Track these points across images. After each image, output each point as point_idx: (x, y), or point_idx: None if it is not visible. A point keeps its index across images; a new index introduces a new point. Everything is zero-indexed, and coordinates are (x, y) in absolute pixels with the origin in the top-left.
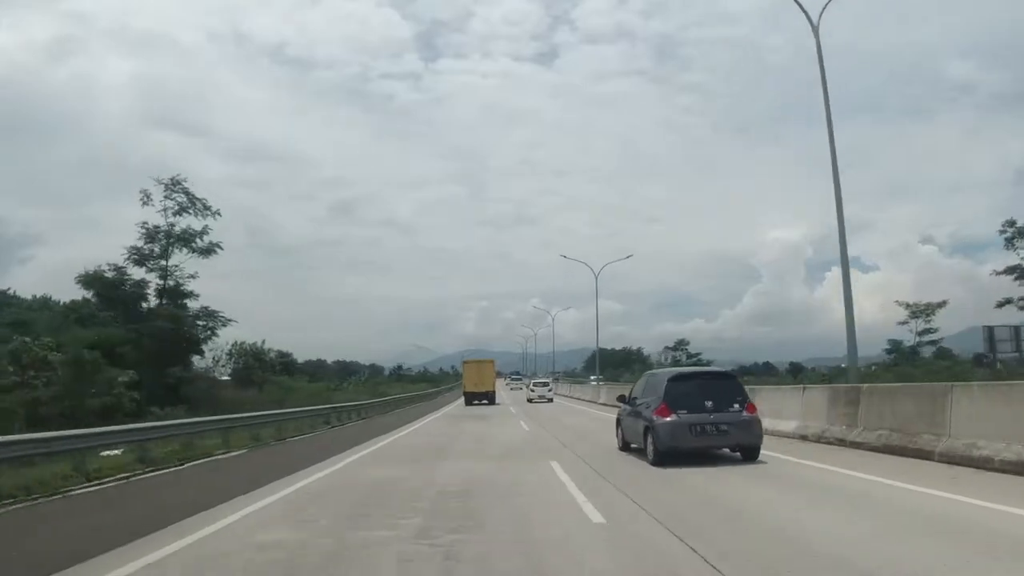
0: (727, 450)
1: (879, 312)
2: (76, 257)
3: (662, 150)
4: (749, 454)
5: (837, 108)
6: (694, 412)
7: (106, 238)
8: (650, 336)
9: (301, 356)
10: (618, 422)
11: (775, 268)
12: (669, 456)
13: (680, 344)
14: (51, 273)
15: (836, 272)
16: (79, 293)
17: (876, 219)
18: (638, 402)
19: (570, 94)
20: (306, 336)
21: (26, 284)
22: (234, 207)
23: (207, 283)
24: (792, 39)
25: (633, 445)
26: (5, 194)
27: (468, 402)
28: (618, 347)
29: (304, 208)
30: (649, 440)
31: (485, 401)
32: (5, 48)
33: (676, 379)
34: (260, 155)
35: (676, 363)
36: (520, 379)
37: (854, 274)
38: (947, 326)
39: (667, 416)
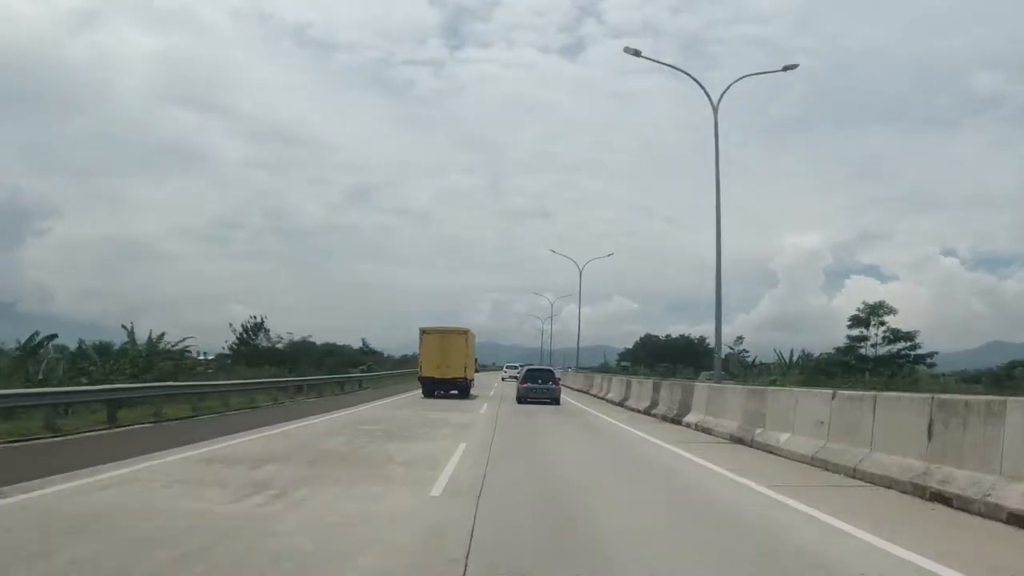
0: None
1: (896, 323)
2: (95, 230)
3: (682, 149)
4: (555, 402)
5: (863, 115)
6: (533, 383)
7: (124, 213)
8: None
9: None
10: (517, 388)
11: (793, 273)
12: (521, 401)
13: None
14: (68, 245)
15: (856, 281)
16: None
17: (896, 229)
18: (519, 378)
19: (592, 88)
20: (320, 319)
21: (43, 256)
22: (252, 188)
23: (220, 262)
24: (821, 42)
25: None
26: (24, 165)
27: (428, 393)
28: (674, 335)
29: (321, 192)
30: (517, 393)
31: (454, 392)
32: (26, 18)
33: (529, 370)
34: (279, 137)
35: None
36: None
37: (872, 283)
38: (965, 340)
39: (523, 384)
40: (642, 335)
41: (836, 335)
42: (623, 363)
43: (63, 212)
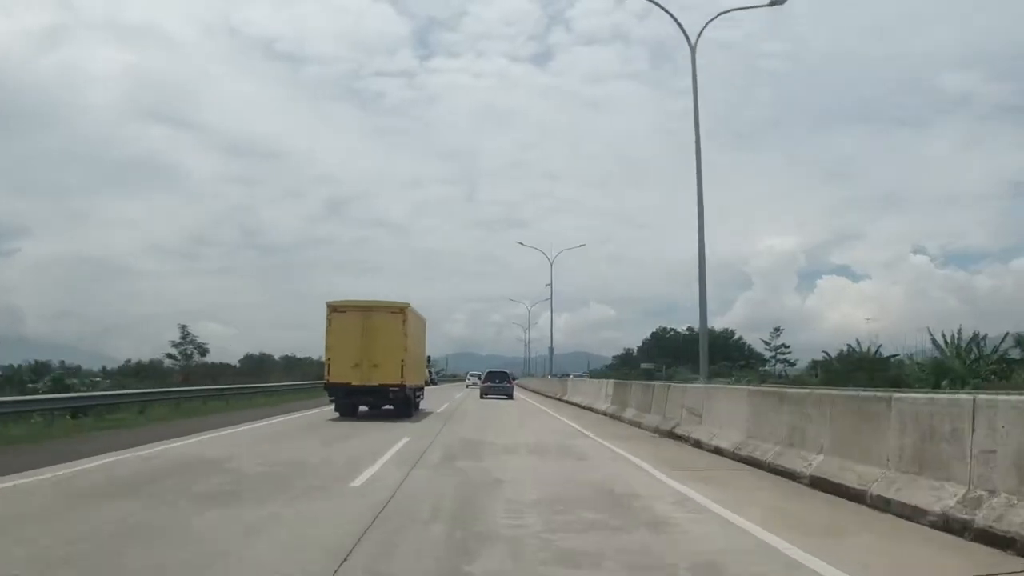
0: (504, 395)
1: (870, 322)
2: (66, 249)
3: (654, 155)
4: (509, 397)
5: (835, 117)
6: (492, 382)
7: (96, 230)
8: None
9: (293, 354)
10: (480, 387)
11: (766, 276)
12: (484, 395)
13: None
14: (39, 265)
15: (828, 281)
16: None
17: (868, 229)
18: (480, 378)
19: (563, 96)
20: (299, 335)
21: (12, 277)
22: (225, 203)
23: (195, 278)
24: (791, 45)
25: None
26: None
27: (345, 409)
28: (693, 328)
29: (295, 205)
30: (478, 390)
31: (389, 408)
32: None
33: (490, 372)
34: (251, 151)
35: None
36: (478, 377)
37: (844, 283)
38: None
39: (485, 383)
40: (655, 329)
41: (812, 334)
42: (644, 365)
43: (33, 231)
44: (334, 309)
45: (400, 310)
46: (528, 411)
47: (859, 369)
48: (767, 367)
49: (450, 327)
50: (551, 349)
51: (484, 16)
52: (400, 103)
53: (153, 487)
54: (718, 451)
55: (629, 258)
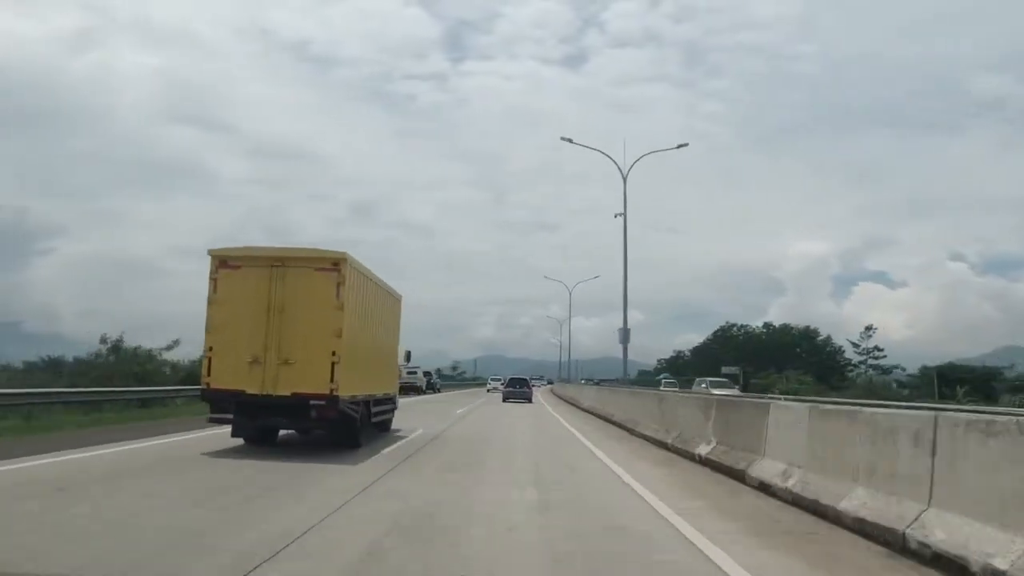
0: (524, 399)
1: (905, 328)
2: (99, 249)
3: (683, 158)
4: (529, 401)
5: (860, 120)
6: (514, 388)
7: (128, 231)
8: (673, 347)
9: None
10: (502, 392)
11: (800, 281)
12: (505, 400)
13: None
14: (72, 264)
15: (864, 287)
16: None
17: (901, 235)
18: (502, 383)
19: (593, 98)
20: None
21: (48, 275)
22: (253, 205)
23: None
24: (821, 47)
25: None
26: (27, 186)
27: (251, 433)
28: (774, 324)
29: (322, 208)
30: (500, 394)
31: (319, 432)
32: (28, 39)
33: (511, 379)
34: (279, 153)
35: None
36: (499, 381)
37: (880, 290)
38: (979, 345)
39: (507, 388)
40: (722, 324)
41: (846, 342)
42: (727, 369)
43: (67, 232)
44: (223, 263)
45: (333, 264)
46: None
47: None
48: (857, 372)
49: (477, 330)
50: (624, 331)
51: (516, 19)
52: (430, 106)
53: None
54: None
55: (658, 262)
